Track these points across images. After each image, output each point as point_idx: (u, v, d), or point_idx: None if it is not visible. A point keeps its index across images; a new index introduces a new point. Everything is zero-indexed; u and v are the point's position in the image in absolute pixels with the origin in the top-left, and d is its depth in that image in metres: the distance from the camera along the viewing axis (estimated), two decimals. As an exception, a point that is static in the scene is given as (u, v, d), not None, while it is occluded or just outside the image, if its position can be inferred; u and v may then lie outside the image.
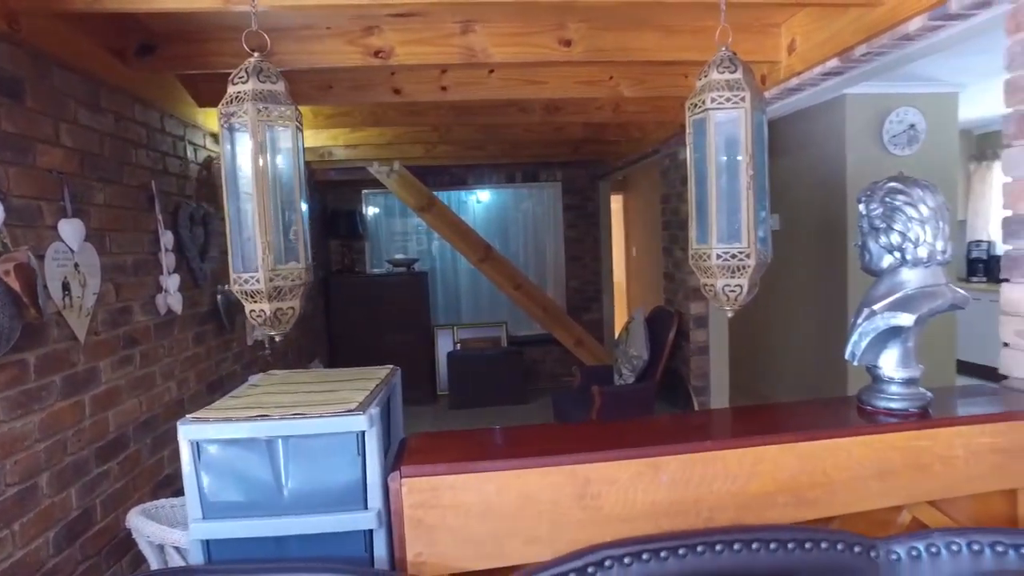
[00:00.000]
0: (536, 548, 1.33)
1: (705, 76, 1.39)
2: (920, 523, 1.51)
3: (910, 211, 1.43)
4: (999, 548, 1.22)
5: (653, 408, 3.79)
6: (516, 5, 2.35)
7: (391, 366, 1.76)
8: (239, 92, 1.22)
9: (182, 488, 1.30)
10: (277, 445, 1.28)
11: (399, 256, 6.47)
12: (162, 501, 2.14)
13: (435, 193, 5.85)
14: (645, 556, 1.24)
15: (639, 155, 4.97)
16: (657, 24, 2.62)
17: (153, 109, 2.82)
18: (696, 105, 1.38)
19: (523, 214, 6.88)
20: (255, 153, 1.21)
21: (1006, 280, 1.77)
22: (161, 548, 1.89)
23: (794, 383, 4.93)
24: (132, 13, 2.15)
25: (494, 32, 2.56)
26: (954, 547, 1.25)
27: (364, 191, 6.44)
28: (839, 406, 1.63)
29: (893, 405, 1.52)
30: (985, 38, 2.07)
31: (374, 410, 1.30)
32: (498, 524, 1.32)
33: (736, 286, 1.34)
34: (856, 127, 4.30)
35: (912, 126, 4.39)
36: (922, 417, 1.49)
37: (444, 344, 6.45)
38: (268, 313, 1.31)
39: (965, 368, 5.26)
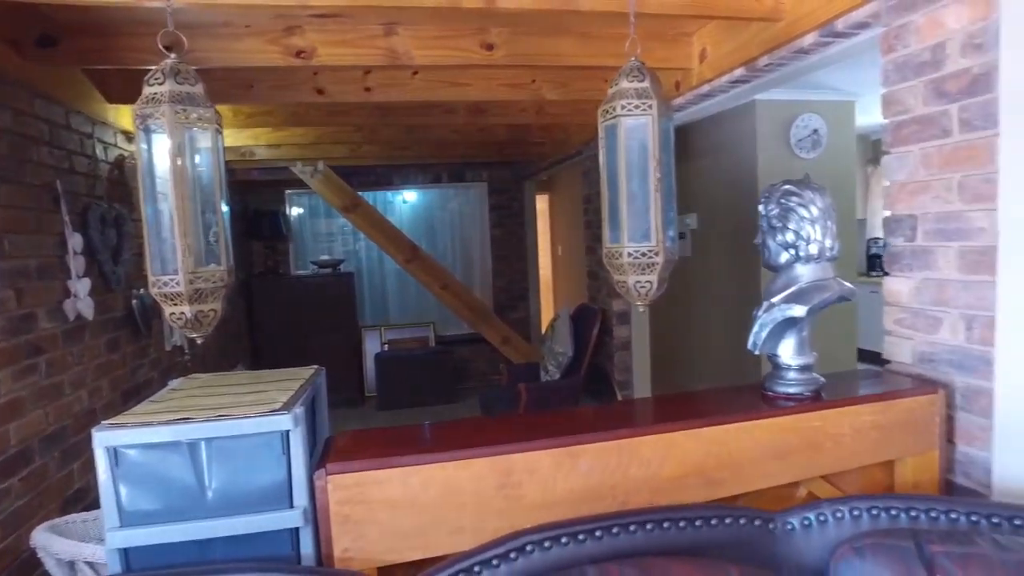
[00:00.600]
0: (461, 538, 1.38)
1: (616, 84, 1.47)
2: (814, 496, 1.65)
3: (803, 211, 1.56)
4: (874, 512, 1.36)
5: (578, 403, 3.90)
6: (438, 9, 2.39)
7: (316, 366, 1.77)
8: (155, 94, 1.21)
9: (94, 502, 1.28)
10: (200, 448, 1.28)
11: (324, 257, 6.37)
12: (72, 516, 2.05)
13: (361, 193, 5.80)
14: (564, 539, 1.31)
15: (563, 156, 5.09)
16: (576, 31, 2.71)
17: (57, 104, 2.69)
18: (607, 112, 1.46)
19: (450, 214, 6.91)
20: (173, 155, 1.20)
21: (887, 274, 1.94)
22: (72, 565, 1.82)
23: (713, 375, 5.16)
24: (30, 2, 2.06)
25: (417, 35, 2.58)
26: (838, 514, 1.38)
27: (288, 191, 6.31)
28: (745, 393, 1.76)
29: (791, 390, 1.65)
30: (874, 53, 2.25)
31: (298, 409, 1.32)
32: (423, 516, 1.36)
33: (646, 282, 1.43)
34: (766, 131, 4.55)
35: (815, 131, 4.68)
36: (815, 400, 1.63)
37: (372, 345, 6.40)
38: (189, 315, 1.30)
39: (865, 356, 5.65)
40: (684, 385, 5.52)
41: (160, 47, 1.28)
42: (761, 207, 1.63)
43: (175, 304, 1.27)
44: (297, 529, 1.31)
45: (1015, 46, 1.53)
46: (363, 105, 3.64)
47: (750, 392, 1.74)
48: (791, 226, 1.56)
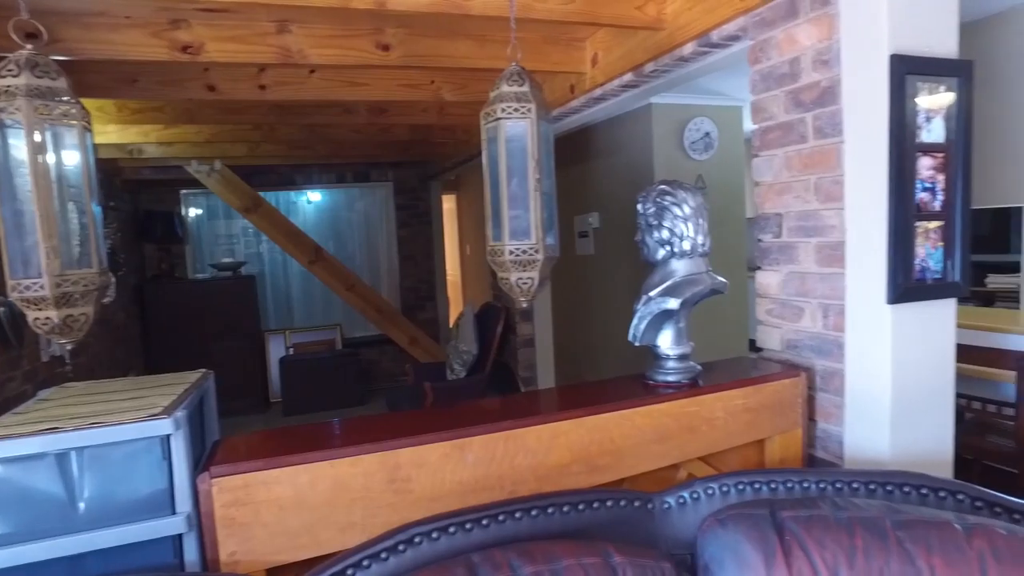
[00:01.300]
0: (351, 535, 1.39)
1: (497, 88, 1.52)
2: (693, 476, 1.77)
3: (676, 210, 1.67)
4: (740, 487, 1.47)
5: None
6: (330, 9, 2.37)
7: (203, 370, 1.73)
8: (9, 86, 1.15)
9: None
10: (70, 459, 1.23)
11: (226, 260, 6.14)
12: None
13: (262, 193, 5.62)
14: (452, 529, 1.34)
15: (467, 156, 5.13)
16: (471, 34, 2.76)
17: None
18: (489, 115, 1.51)
19: (355, 214, 6.81)
20: (33, 153, 1.15)
21: (759, 268, 2.10)
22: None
23: (616, 367, 5.34)
24: None
25: (311, 34, 2.55)
26: (709, 491, 1.49)
27: (183, 191, 6.03)
28: (628, 382, 1.85)
29: (670, 378, 1.76)
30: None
31: (180, 413, 1.29)
32: (313, 515, 1.37)
33: (528, 279, 1.49)
34: (661, 133, 4.75)
35: (707, 134, 4.94)
36: (692, 387, 1.75)
37: (276, 349, 6.22)
38: (56, 320, 1.25)
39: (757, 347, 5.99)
40: (588, 378, 5.70)
41: (15, 38, 1.22)
42: (639, 206, 1.73)
43: (39, 309, 1.22)
44: (180, 536, 1.29)
45: (851, 64, 1.70)
46: (259, 103, 3.55)
47: (633, 381, 1.84)
48: (666, 224, 1.66)
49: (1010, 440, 2.91)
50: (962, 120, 1.68)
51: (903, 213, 1.62)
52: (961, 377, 3.14)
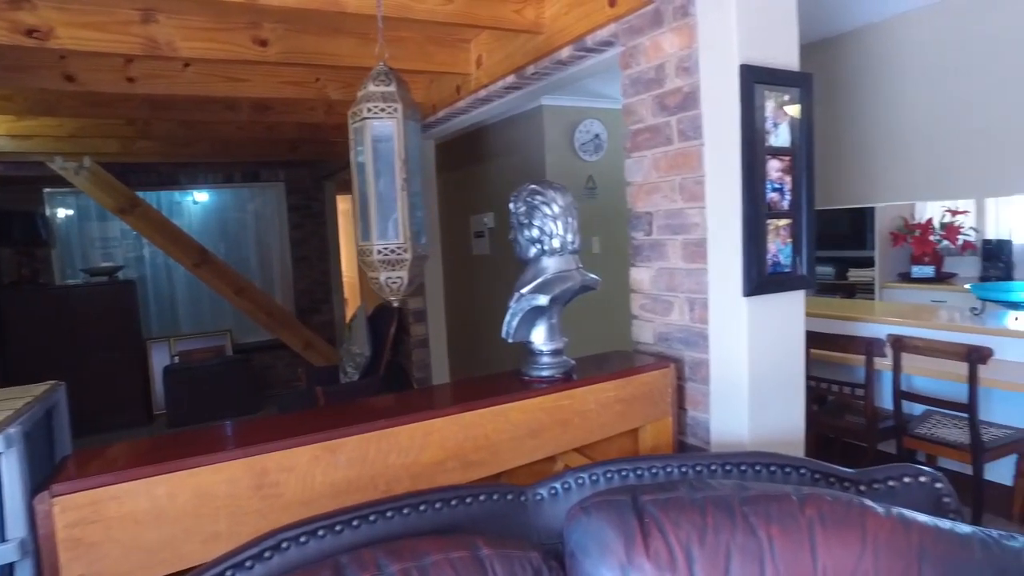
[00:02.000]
0: (216, 545, 1.34)
1: (364, 88, 1.51)
2: (569, 468, 1.82)
3: (546, 209, 1.71)
4: (608, 475, 1.53)
5: (380, 402, 3.89)
6: (202, 1, 2.27)
7: (52, 382, 1.62)
8: None
9: None
10: None
11: (102, 264, 5.73)
12: None
13: (140, 193, 5.30)
14: (321, 532, 1.32)
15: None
16: (352, 31, 2.72)
17: None
18: (356, 114, 1.49)
19: (247, 215, 6.54)
20: None
21: (633, 265, 2.19)
22: None
23: (511, 367, 5.41)
24: None
25: (181, 25, 2.43)
26: (580, 481, 1.54)
27: (47, 190, 5.58)
28: (505, 378, 1.88)
29: (544, 373, 1.81)
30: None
31: (13, 430, 1.20)
32: (173, 527, 1.31)
33: (397, 278, 1.49)
34: (553, 134, 4.85)
35: (597, 136, 5.08)
36: (566, 381, 1.80)
37: (160, 358, 5.87)
38: None
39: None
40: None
41: None
42: (511, 205, 1.77)
43: None
44: (12, 564, 1.20)
45: (708, 72, 1.80)
46: (129, 97, 3.34)
47: (510, 377, 1.87)
48: (536, 222, 1.71)
49: (862, 418, 3.19)
50: (805, 127, 1.83)
51: (755, 212, 1.74)
52: (824, 363, 3.42)
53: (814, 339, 3.34)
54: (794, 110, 1.80)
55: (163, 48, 2.40)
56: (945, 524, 1.31)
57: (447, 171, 5.88)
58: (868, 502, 1.33)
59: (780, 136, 1.79)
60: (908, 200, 3.85)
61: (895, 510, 1.31)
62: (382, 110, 1.45)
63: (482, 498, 1.49)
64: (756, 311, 1.79)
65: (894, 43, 3.53)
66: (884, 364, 3.11)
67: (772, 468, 1.55)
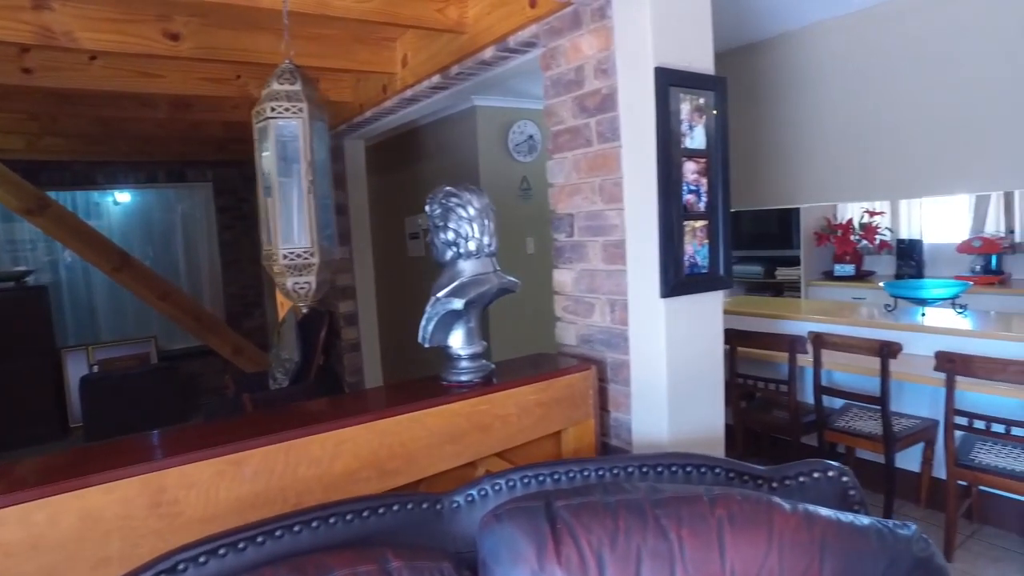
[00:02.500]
0: (107, 571, 1.26)
1: (268, 86, 1.45)
2: (491, 473, 1.79)
3: (461, 211, 1.68)
4: (525, 480, 1.52)
5: (311, 409, 3.78)
6: (101, -12, 2.16)
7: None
8: None
9: None
10: None
11: (6, 269, 5.39)
12: None
13: (52, 194, 5.00)
14: (222, 551, 1.26)
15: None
16: (271, 27, 2.62)
17: None
18: (259, 113, 1.43)
19: (173, 217, 6.28)
20: None
21: (556, 266, 2.18)
22: None
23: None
24: None
25: (80, 15, 2.30)
26: (496, 487, 1.52)
27: (-53, 190, 5.21)
28: (424, 384, 1.85)
29: (463, 378, 1.78)
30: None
31: None
32: (55, 556, 1.22)
33: (305, 283, 1.43)
34: (486, 135, 4.83)
35: (531, 137, 5.08)
36: (485, 385, 1.77)
37: (77, 368, 5.57)
38: None
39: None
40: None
41: None
42: (427, 208, 1.73)
43: None
44: None
45: (625, 74, 1.81)
46: (28, 89, 3.13)
47: (429, 382, 1.83)
48: (451, 225, 1.68)
49: (787, 413, 3.28)
50: (720, 129, 1.86)
51: (671, 213, 1.75)
52: (753, 360, 3.51)
53: (742, 337, 3.43)
54: (709, 112, 1.82)
55: (59, 38, 2.26)
56: (847, 517, 1.34)
57: (381, 173, 5.79)
58: (777, 500, 1.36)
59: (696, 138, 1.81)
60: (827, 201, 3.99)
61: (801, 506, 1.34)
62: (286, 109, 1.39)
63: (396, 508, 1.45)
64: (674, 312, 1.80)
65: (812, 50, 3.65)
66: (807, 360, 3.21)
67: (688, 468, 1.56)
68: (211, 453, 1.37)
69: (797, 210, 5.32)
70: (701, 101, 1.81)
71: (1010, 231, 4.65)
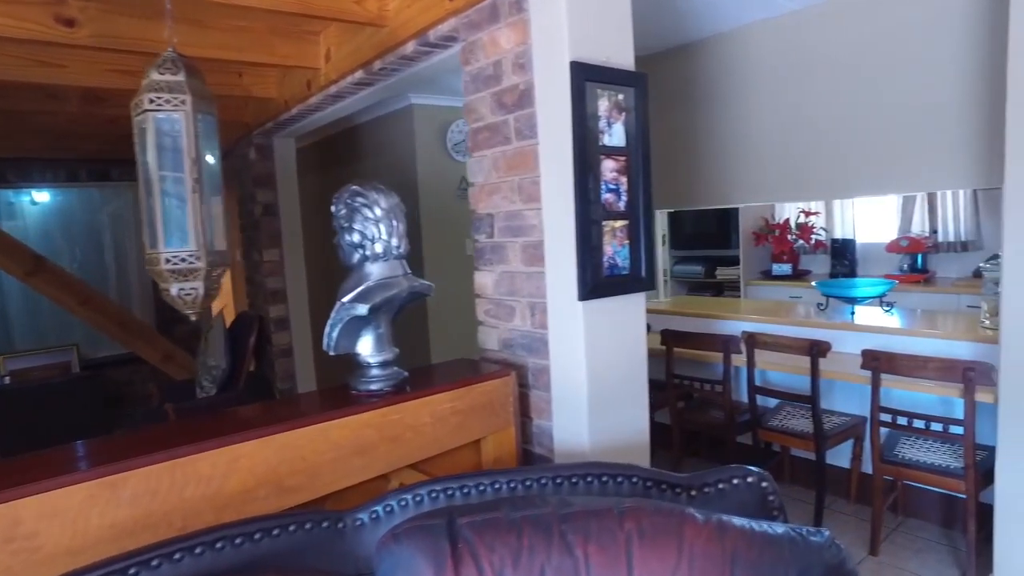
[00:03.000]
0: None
1: (147, 76, 1.34)
2: (404, 486, 1.71)
3: (367, 212, 1.59)
4: (433, 495, 1.44)
5: (239, 418, 3.62)
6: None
7: None
8: None
9: None
10: None
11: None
12: None
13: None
14: (86, 586, 1.14)
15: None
16: (184, 16, 2.48)
17: None
18: (137, 106, 1.32)
19: (98, 218, 5.97)
20: None
21: (477, 268, 2.11)
22: None
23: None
24: None
25: (-45, -5, 2.12)
26: (403, 503, 1.43)
27: None
28: (333, 393, 1.75)
29: (373, 386, 1.69)
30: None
31: None
32: None
33: (191, 290, 1.32)
34: (424, 134, 4.73)
35: (471, 137, 5.00)
36: (397, 394, 1.68)
37: (-12, 379, 5.24)
38: None
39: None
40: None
41: None
42: (333, 208, 1.63)
43: None
44: None
45: (542, 69, 1.75)
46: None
47: (338, 392, 1.74)
48: (356, 226, 1.58)
49: (723, 413, 3.28)
50: (640, 127, 1.81)
51: (589, 212, 1.70)
52: (689, 361, 3.51)
53: (678, 338, 3.42)
54: (628, 109, 1.78)
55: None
56: (760, 526, 1.30)
57: (319, 172, 5.63)
58: (689, 510, 1.31)
59: (615, 136, 1.76)
60: (759, 202, 4.03)
61: (714, 517, 1.29)
62: (167, 102, 1.28)
63: (292, 528, 1.35)
64: (593, 315, 1.75)
65: (743, 52, 3.67)
66: (743, 360, 3.22)
67: (605, 479, 1.50)
68: (80, 477, 1.25)
69: (736, 210, 5.38)
70: (620, 98, 1.76)
71: (933, 231, 4.79)
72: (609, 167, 1.75)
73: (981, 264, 3.40)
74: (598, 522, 1.25)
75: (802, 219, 5.35)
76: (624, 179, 1.78)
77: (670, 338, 3.43)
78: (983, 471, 2.52)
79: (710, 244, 5.75)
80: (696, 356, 3.45)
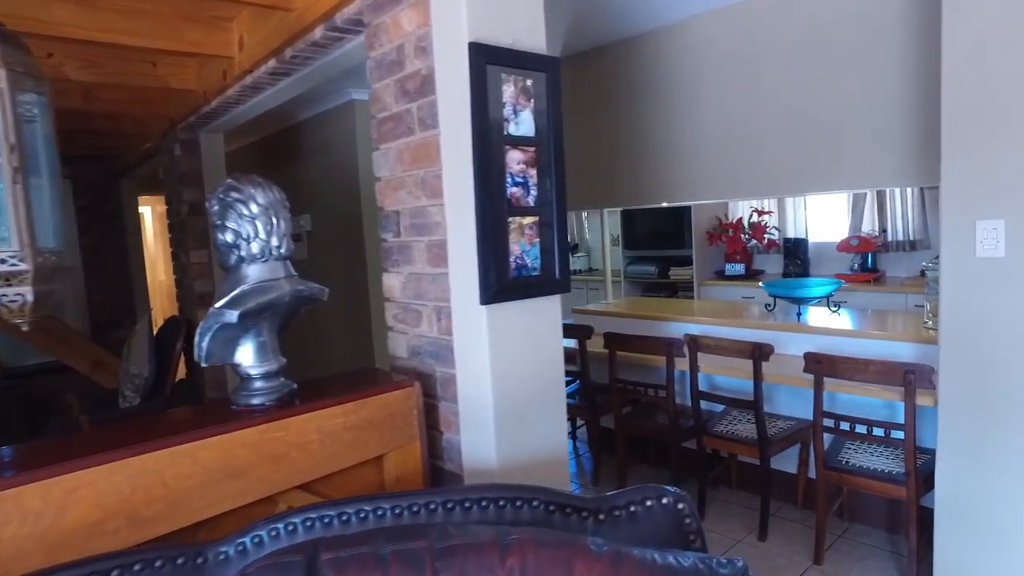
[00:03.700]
0: None
1: (-44, 46, 1.16)
2: (298, 505, 1.54)
3: (242, 208, 1.43)
4: (308, 523, 1.28)
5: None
6: None
7: None
8: None
9: None
10: None
11: None
12: None
13: None
14: None
15: (144, 152, 4.48)
16: (71, -5, 2.28)
17: None
18: (-58, 80, 1.14)
19: None
20: None
21: (384, 270, 1.95)
22: None
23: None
24: None
25: None
26: (274, 533, 1.27)
27: None
28: (210, 410, 1.58)
29: (254, 401, 1.52)
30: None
31: None
32: None
33: (16, 296, 1.14)
34: (366, 131, 4.54)
35: (419, 134, 4.84)
36: (280, 409, 1.52)
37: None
38: None
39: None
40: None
41: None
42: (207, 204, 1.47)
43: None
44: None
45: (442, 52, 1.60)
46: None
47: (215, 408, 1.57)
48: (230, 224, 1.42)
49: (667, 418, 3.17)
50: (552, 116, 1.67)
51: (492, 208, 1.56)
52: (636, 365, 3.39)
53: (620, 341, 3.30)
54: (537, 96, 1.64)
55: None
56: (665, 558, 1.17)
57: (262, 171, 5.41)
58: (585, 541, 1.17)
59: (522, 124, 1.62)
60: (701, 200, 3.92)
61: (610, 548, 1.16)
62: (-23, 77, 1.11)
63: (138, 567, 1.18)
64: (498, 320, 1.61)
65: (685, 45, 3.57)
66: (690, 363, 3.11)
67: (502, 503, 1.36)
68: None
69: (689, 209, 5.30)
70: (529, 83, 1.62)
71: (883, 230, 4.76)
72: (516, 159, 1.61)
73: (924, 263, 3.36)
74: (477, 558, 1.11)
75: (755, 218, 5.29)
76: (533, 172, 1.64)
77: (613, 341, 3.31)
78: (925, 475, 2.44)
79: (663, 244, 5.66)
80: (642, 360, 3.33)
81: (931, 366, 2.36)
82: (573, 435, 4.22)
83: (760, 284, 3.79)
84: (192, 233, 3.75)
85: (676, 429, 3.16)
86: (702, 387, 3.31)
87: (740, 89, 3.41)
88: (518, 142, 1.61)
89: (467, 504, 1.35)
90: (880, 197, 4.74)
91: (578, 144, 4.33)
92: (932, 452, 2.43)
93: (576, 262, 6.61)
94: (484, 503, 1.35)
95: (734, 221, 5.38)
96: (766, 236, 5.25)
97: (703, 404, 3.11)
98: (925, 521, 2.43)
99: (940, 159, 2.13)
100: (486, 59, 1.53)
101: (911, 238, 4.65)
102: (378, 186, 1.92)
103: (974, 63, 2.01)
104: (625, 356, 3.32)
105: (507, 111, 1.59)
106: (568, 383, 3.95)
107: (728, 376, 3.18)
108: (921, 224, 4.61)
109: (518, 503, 1.36)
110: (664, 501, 1.40)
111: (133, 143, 4.63)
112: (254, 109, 3.22)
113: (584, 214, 6.78)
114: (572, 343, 3.54)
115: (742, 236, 5.28)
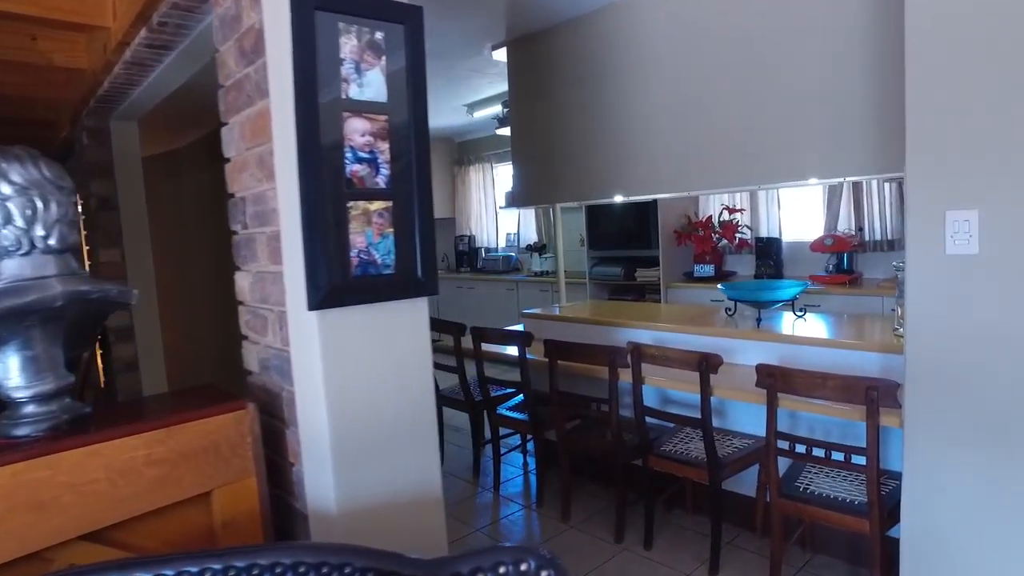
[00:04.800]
0: None
1: None
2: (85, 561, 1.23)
3: (-10, 186, 1.12)
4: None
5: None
6: None
7: None
8: None
9: None
10: None
11: None
12: None
13: None
14: None
15: (62, 142, 4.17)
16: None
17: None
18: None
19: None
20: None
21: (236, 268, 1.64)
22: None
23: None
24: None
25: None
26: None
27: None
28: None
29: (21, 431, 1.21)
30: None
31: None
32: None
33: None
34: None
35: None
36: (50, 441, 1.21)
37: None
38: None
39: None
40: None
41: None
42: (-55, 181, 1.16)
43: None
44: None
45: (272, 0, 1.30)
46: None
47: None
48: (-24, 207, 1.11)
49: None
50: (412, 78, 1.37)
51: (321, 189, 1.25)
52: (581, 377, 3.08)
53: (562, 350, 2.99)
54: (391, 52, 1.33)
55: None
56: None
57: (204, 169, 5.10)
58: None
59: (369, 87, 1.31)
60: (654, 194, 3.61)
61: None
62: None
63: None
64: (334, 329, 1.30)
65: (634, 25, 3.27)
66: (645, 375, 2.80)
67: (303, 569, 1.05)
68: None
69: (655, 207, 5.00)
70: (378, 36, 1.32)
71: (860, 229, 4.47)
72: (359, 129, 1.30)
73: (894, 263, 3.06)
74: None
75: (726, 216, 4.99)
76: (385, 146, 1.34)
77: (553, 349, 3.00)
78: (891, 505, 2.14)
79: (629, 244, 5.34)
80: (587, 371, 3.02)
81: (897, 382, 2.06)
82: (523, 449, 3.91)
83: (719, 286, 3.48)
84: (104, 230, 3.44)
85: (620, 447, 2.85)
86: (655, 401, 3.01)
87: (696, 72, 3.12)
88: (362, 108, 1.30)
89: (255, 571, 1.04)
90: (856, 194, 4.44)
91: (527, 134, 4.03)
92: (899, 476, 2.13)
93: (544, 263, 6.29)
94: (279, 569, 1.04)
95: (704, 219, 5.07)
96: (737, 235, 4.94)
97: (654, 420, 2.80)
98: (892, 552, 2.12)
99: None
100: (315, 4, 1.23)
101: (889, 237, 4.35)
102: (227, 168, 1.61)
103: (938, 37, 1.72)
104: (567, 366, 3.01)
105: (347, 70, 1.28)
106: (511, 395, 3.65)
107: (681, 390, 2.87)
108: (899, 222, 4.31)
109: (324, 569, 1.05)
110: (523, 568, 1.09)
111: (53, 133, 4.32)
112: (160, 91, 2.91)
113: (551, 211, 6.48)
114: (515, 350, 3.24)
115: (712, 235, 4.97)
